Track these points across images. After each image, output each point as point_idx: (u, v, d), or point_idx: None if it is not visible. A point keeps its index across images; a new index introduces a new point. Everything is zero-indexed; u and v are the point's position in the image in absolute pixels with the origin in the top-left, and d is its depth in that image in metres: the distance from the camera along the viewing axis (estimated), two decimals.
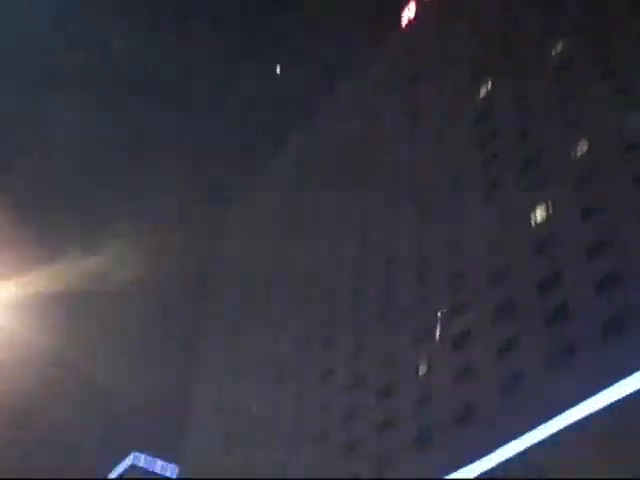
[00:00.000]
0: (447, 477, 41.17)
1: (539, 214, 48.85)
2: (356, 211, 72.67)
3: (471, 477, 39.20)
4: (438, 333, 52.40)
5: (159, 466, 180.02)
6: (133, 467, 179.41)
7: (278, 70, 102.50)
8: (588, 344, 40.18)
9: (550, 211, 48.26)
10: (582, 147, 48.28)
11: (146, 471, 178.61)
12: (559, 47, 56.09)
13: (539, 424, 37.11)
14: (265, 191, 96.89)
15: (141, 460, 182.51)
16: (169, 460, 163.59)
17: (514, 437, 37.60)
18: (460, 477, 40.15)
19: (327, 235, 75.86)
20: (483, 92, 62.42)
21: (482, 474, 38.62)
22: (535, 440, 37.63)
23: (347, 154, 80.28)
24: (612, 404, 35.25)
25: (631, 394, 34.79)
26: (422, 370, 52.78)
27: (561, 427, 36.70)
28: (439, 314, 53.17)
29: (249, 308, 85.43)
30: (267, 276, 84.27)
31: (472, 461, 39.12)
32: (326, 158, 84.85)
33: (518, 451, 38.12)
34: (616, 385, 35.75)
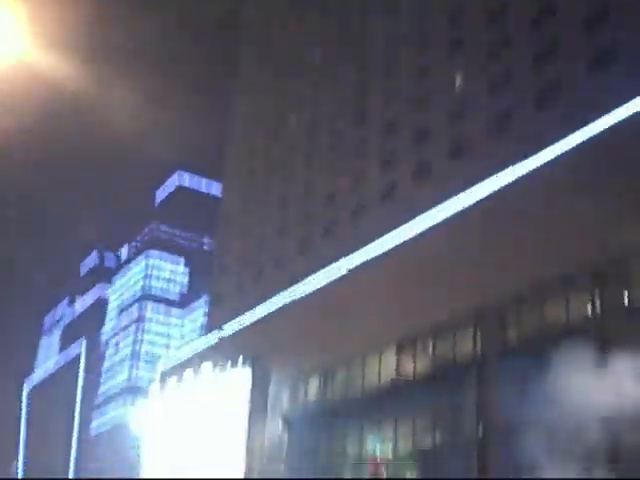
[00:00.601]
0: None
1: None
2: None
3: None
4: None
5: (204, 184, 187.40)
6: (180, 188, 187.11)
7: None
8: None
9: None
10: None
11: (192, 190, 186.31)
12: None
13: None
14: None
15: (186, 179, 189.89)
16: (214, 178, 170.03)
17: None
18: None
19: None
20: None
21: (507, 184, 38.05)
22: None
23: None
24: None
25: None
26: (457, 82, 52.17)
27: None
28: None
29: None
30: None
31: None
32: None
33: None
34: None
